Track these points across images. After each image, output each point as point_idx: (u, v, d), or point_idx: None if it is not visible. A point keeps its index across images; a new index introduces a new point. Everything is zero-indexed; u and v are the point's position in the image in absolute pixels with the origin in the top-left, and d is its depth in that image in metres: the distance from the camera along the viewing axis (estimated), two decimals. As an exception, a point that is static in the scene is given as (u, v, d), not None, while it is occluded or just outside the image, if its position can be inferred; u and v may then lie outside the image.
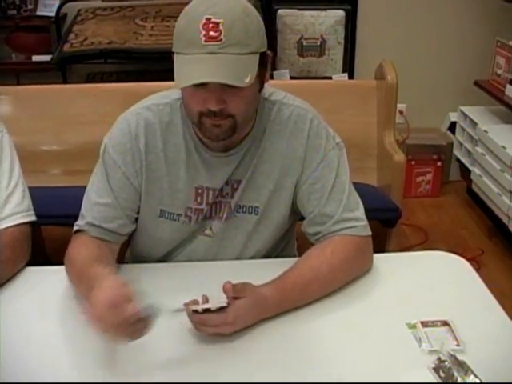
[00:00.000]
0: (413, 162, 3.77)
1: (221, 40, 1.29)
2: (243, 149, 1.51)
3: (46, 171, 2.73)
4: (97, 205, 1.51)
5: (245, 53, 1.32)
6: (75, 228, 1.53)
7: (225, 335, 1.30)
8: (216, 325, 1.29)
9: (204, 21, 1.30)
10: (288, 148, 1.52)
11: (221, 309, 1.27)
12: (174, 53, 1.37)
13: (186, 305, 1.30)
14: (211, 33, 1.29)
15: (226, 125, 1.39)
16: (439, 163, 3.85)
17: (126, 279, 1.27)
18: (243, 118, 1.41)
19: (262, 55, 1.38)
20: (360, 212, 1.54)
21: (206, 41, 1.29)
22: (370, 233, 1.55)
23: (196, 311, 1.27)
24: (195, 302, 1.30)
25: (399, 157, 2.66)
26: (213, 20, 1.30)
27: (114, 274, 1.34)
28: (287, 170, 1.53)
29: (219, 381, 1.23)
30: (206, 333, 1.30)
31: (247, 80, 1.31)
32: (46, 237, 2.13)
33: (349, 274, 1.50)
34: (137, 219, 1.58)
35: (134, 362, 1.26)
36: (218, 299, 1.28)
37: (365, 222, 1.54)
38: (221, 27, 1.29)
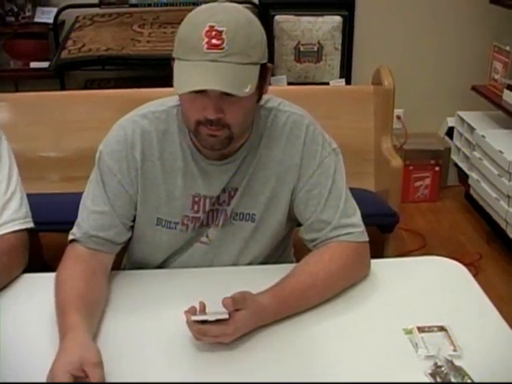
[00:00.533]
0: (411, 167, 3.77)
1: (223, 48, 1.29)
2: (240, 157, 1.51)
3: (44, 177, 2.74)
4: (93, 213, 1.50)
5: (246, 63, 1.32)
6: (71, 237, 1.51)
7: (223, 343, 1.30)
8: (216, 335, 1.29)
9: (207, 28, 1.30)
10: (284, 155, 1.52)
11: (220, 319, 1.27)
12: (174, 58, 1.37)
13: (185, 313, 1.30)
14: (214, 40, 1.29)
15: (222, 135, 1.39)
16: (437, 168, 3.85)
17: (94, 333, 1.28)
18: (239, 129, 1.41)
19: (263, 67, 1.38)
20: (357, 218, 1.54)
21: (208, 48, 1.29)
22: (368, 238, 1.55)
23: (196, 321, 1.28)
24: (193, 310, 1.30)
25: (396, 162, 2.67)
26: (216, 28, 1.29)
27: (84, 329, 1.29)
28: (284, 177, 1.53)
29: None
30: (205, 342, 1.30)
31: (247, 90, 1.31)
32: (44, 243, 2.13)
33: (347, 280, 1.50)
34: (132, 227, 1.58)
35: (132, 365, 1.26)
36: (218, 310, 1.28)
37: (362, 228, 1.54)
38: (224, 35, 1.29)
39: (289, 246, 1.74)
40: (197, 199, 1.53)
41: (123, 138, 1.50)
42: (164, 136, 1.51)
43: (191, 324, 1.29)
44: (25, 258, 1.59)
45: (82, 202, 1.54)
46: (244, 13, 1.37)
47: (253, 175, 1.52)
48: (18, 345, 1.33)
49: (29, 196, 1.66)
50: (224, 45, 1.29)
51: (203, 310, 1.31)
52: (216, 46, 1.29)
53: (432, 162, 3.84)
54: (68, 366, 1.17)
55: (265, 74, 1.41)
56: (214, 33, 1.29)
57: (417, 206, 3.83)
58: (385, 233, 2.53)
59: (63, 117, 2.76)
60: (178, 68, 1.34)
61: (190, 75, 1.32)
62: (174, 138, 1.51)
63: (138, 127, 1.51)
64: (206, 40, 1.29)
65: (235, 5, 1.39)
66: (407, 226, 3.46)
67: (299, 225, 1.59)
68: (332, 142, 1.56)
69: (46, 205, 2.23)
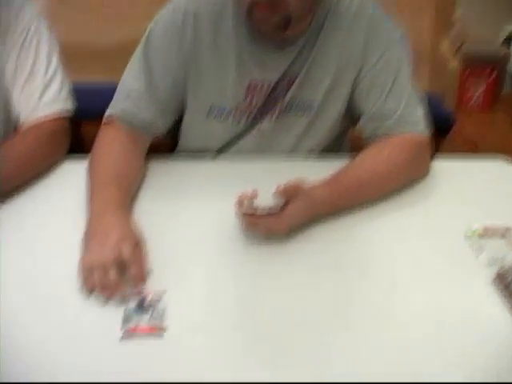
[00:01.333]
0: (466, 72, 3.61)
1: None
2: (300, 44, 1.41)
3: (87, 68, 2.69)
4: (133, 92, 1.43)
5: None
6: (107, 114, 1.44)
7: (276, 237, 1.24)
8: (267, 226, 1.22)
9: None
10: (347, 41, 1.41)
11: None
12: None
13: (236, 203, 1.22)
14: None
15: (279, 15, 1.28)
16: (494, 75, 3.69)
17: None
18: (298, 13, 1.30)
19: None
20: (420, 112, 1.44)
21: None
22: (429, 134, 1.45)
23: (247, 213, 1.21)
24: (244, 197, 1.21)
25: (454, 64, 2.57)
26: None
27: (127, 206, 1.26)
28: (346, 63, 1.42)
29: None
30: (257, 233, 1.24)
31: None
32: (85, 135, 2.10)
33: (406, 176, 1.41)
34: (173, 114, 1.49)
35: (176, 254, 1.21)
36: (270, 203, 1.21)
37: (425, 123, 1.44)
38: None
39: (344, 143, 1.65)
40: (252, 86, 1.43)
41: (175, 18, 1.40)
42: (218, 19, 1.40)
43: (242, 216, 1.22)
44: (66, 145, 1.54)
45: (121, 82, 1.46)
46: None
47: (313, 62, 1.42)
48: (59, 230, 1.28)
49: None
50: None
51: (255, 197, 1.21)
52: None
53: (488, 69, 3.67)
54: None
55: None
56: None
57: (469, 114, 3.70)
58: (439, 137, 2.43)
59: (108, 7, 2.73)
60: None
61: None
62: (229, 22, 1.40)
63: (192, 8, 1.40)
64: None
65: None
66: (459, 133, 3.35)
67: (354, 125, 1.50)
68: (398, 29, 1.45)
69: (88, 94, 2.19)
